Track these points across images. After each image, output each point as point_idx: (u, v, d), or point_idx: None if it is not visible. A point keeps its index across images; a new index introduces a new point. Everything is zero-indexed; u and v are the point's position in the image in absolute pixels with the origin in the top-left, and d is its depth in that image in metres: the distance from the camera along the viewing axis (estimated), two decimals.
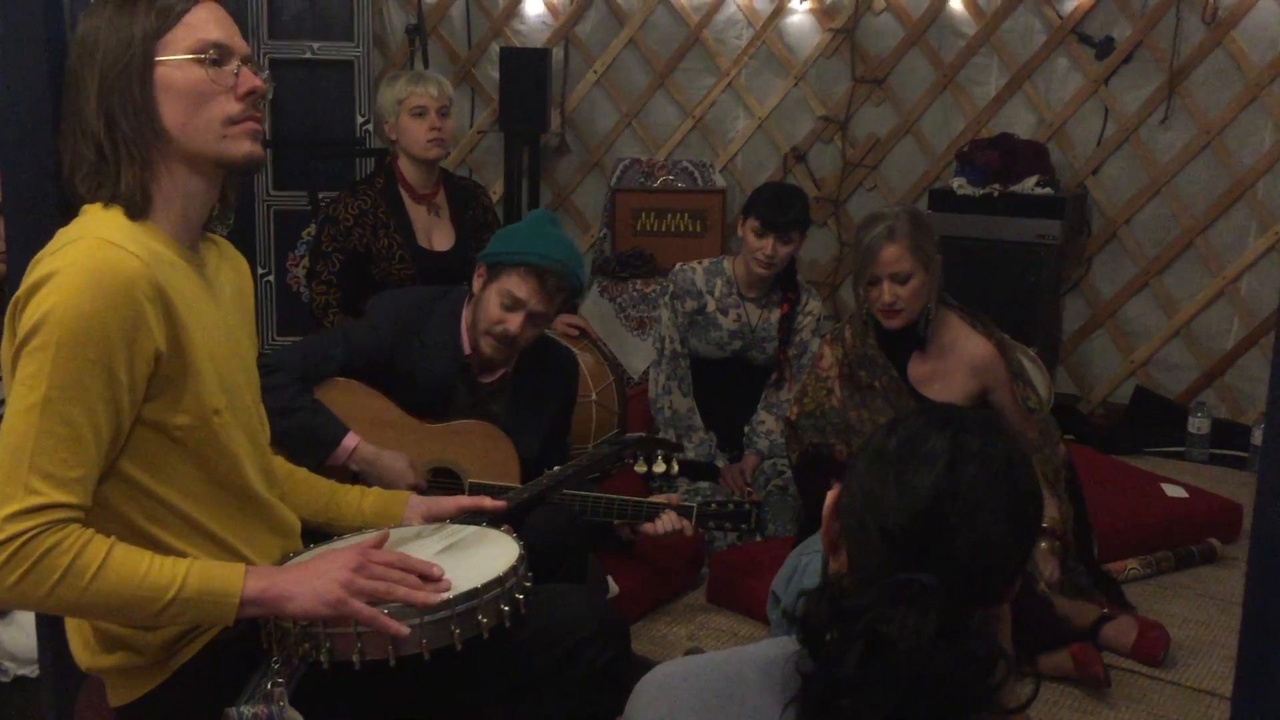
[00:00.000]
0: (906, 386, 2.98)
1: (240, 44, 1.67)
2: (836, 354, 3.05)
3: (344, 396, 2.68)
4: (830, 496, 1.28)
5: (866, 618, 1.11)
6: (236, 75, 1.64)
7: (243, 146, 1.66)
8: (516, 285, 2.68)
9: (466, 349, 2.77)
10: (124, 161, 1.60)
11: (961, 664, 1.09)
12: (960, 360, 2.99)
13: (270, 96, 1.82)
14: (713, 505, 2.83)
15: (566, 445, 3.04)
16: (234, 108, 1.64)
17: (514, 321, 2.69)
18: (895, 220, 2.89)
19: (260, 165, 1.73)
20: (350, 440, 2.58)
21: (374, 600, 1.58)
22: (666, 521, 2.73)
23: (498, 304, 2.70)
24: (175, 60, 1.61)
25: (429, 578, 1.64)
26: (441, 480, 2.69)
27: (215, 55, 1.62)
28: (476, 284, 2.76)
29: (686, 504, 2.79)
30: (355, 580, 1.57)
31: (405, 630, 1.57)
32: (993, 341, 3.00)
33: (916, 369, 3.00)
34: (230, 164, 1.67)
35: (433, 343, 2.75)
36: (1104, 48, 4.82)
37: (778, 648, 1.26)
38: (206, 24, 1.63)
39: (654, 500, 2.79)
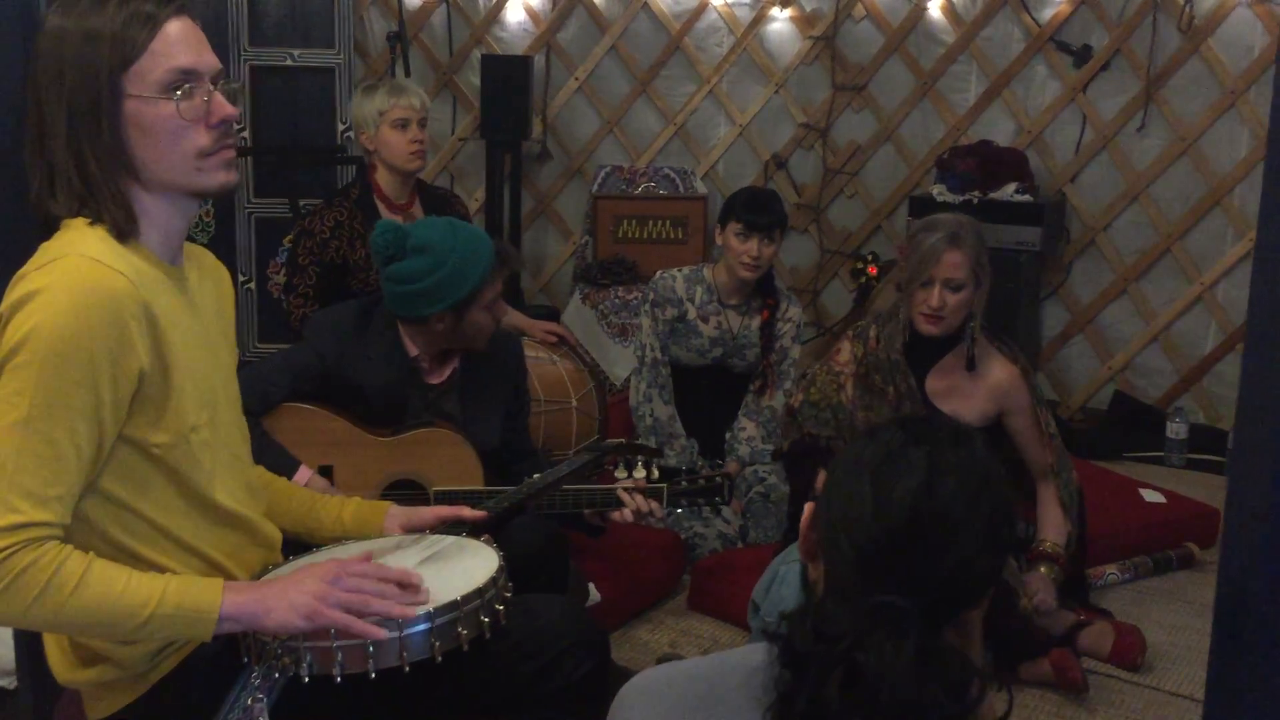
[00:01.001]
0: (922, 397, 2.93)
1: (210, 61, 1.61)
2: (856, 351, 3.00)
3: (296, 422, 2.67)
4: (808, 509, 1.28)
5: (843, 644, 1.10)
6: (208, 103, 1.60)
7: (217, 178, 1.63)
8: (493, 290, 2.72)
9: (412, 351, 2.77)
10: (100, 194, 1.57)
11: (938, 686, 1.09)
12: (982, 381, 2.94)
13: (240, 109, 1.80)
14: (682, 483, 2.72)
15: (526, 428, 3.03)
16: (205, 140, 1.60)
17: (501, 309, 2.79)
18: (961, 228, 2.85)
19: (235, 189, 1.70)
20: (302, 475, 2.57)
21: (352, 613, 1.58)
22: (632, 505, 2.62)
23: (485, 316, 2.73)
24: (145, 96, 1.56)
25: (407, 586, 1.64)
26: (405, 492, 2.68)
27: (186, 86, 1.58)
28: (442, 327, 2.71)
29: (655, 485, 2.68)
30: (331, 592, 1.57)
31: (383, 633, 1.57)
32: (1017, 366, 2.97)
33: (935, 382, 2.95)
34: (204, 194, 1.66)
35: (376, 351, 2.74)
36: (1082, 56, 4.86)
37: (758, 654, 1.26)
38: (174, 49, 1.57)
39: (620, 486, 2.69)
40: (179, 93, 1.57)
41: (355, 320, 2.78)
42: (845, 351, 3.04)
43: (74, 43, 1.54)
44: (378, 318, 2.77)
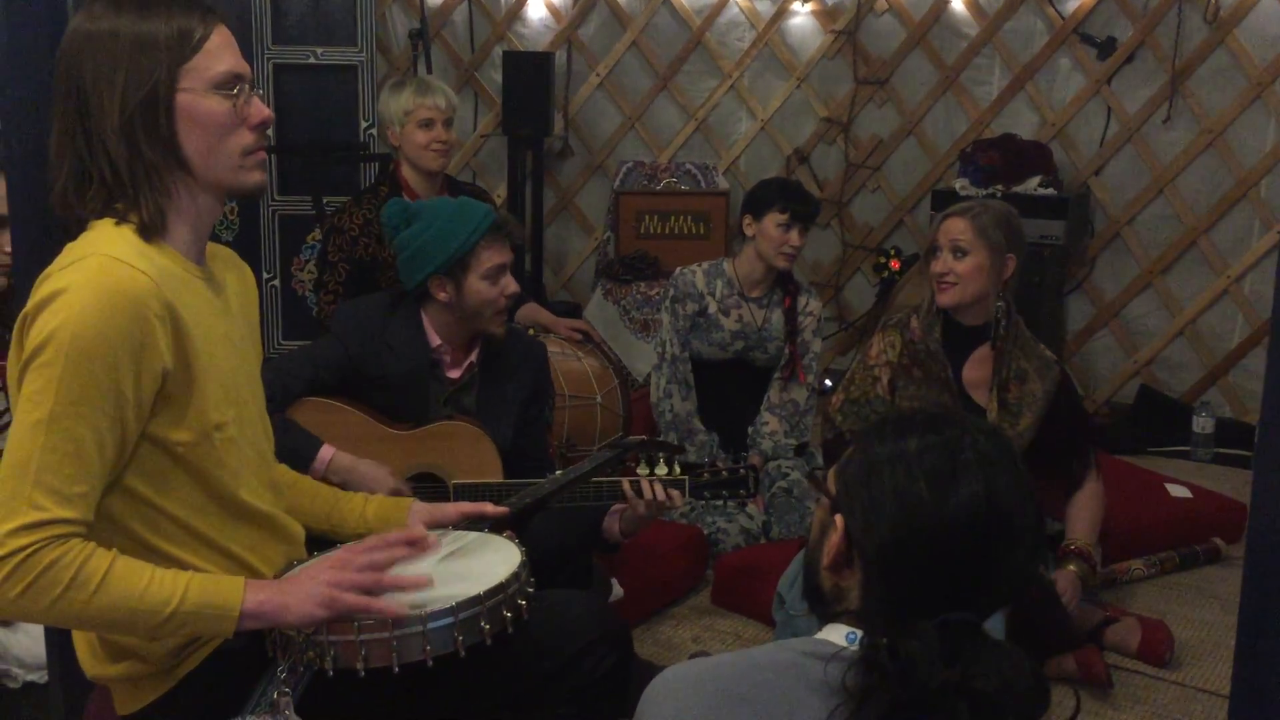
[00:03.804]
0: (959, 388, 2.92)
1: (247, 68, 1.67)
2: (891, 340, 2.97)
3: (316, 415, 2.69)
4: (839, 520, 1.27)
5: (956, 672, 1.12)
6: (249, 105, 1.65)
7: (254, 176, 1.68)
8: (490, 258, 2.69)
9: (435, 340, 2.78)
10: (142, 187, 1.60)
11: (1037, 698, 1.11)
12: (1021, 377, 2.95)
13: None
14: (705, 475, 2.69)
15: (543, 434, 3.03)
16: (248, 139, 1.65)
17: (509, 285, 2.73)
18: (978, 206, 2.94)
19: (264, 190, 1.76)
20: (325, 452, 2.58)
21: (368, 593, 1.61)
22: (648, 490, 2.57)
23: (487, 286, 2.70)
24: (198, 90, 1.60)
25: (416, 544, 1.69)
26: (425, 485, 2.70)
27: (235, 87, 1.63)
28: (444, 295, 2.71)
29: (678, 477, 2.65)
30: (344, 576, 1.60)
31: (402, 609, 1.60)
32: (1056, 364, 2.99)
33: (971, 372, 2.95)
34: (241, 193, 1.70)
35: (399, 343, 2.76)
36: (1106, 48, 4.83)
37: (786, 651, 1.26)
38: (224, 51, 1.63)
39: (640, 475, 2.65)
40: (235, 91, 1.63)
41: (382, 311, 2.79)
42: (875, 346, 3.03)
43: (128, 40, 1.58)
44: (404, 307, 2.79)
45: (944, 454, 1.19)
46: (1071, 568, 2.88)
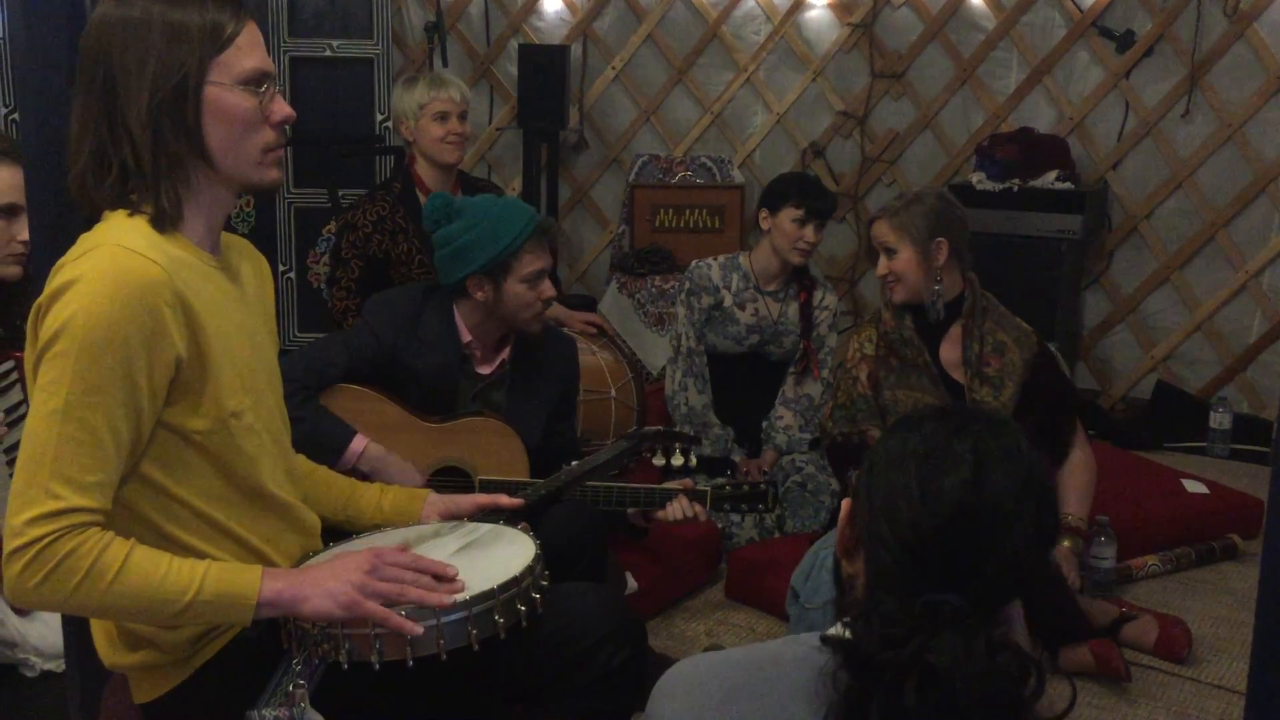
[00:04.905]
0: (939, 371, 3.00)
1: (273, 66, 1.68)
2: (867, 335, 3.08)
3: (348, 404, 2.70)
4: (845, 505, 1.28)
5: (913, 646, 1.11)
6: (273, 103, 1.66)
7: (272, 174, 1.70)
8: (531, 262, 2.70)
9: (465, 337, 2.78)
10: (163, 177, 1.61)
11: (1000, 681, 1.09)
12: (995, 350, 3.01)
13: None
14: (726, 488, 2.77)
15: (573, 431, 3.05)
16: (270, 137, 1.66)
17: (546, 289, 2.74)
18: (896, 202, 3.05)
19: (279, 187, 1.77)
20: (358, 443, 2.59)
21: (388, 602, 1.60)
22: (677, 508, 2.68)
23: (526, 290, 2.71)
24: (226, 84, 1.61)
25: (443, 578, 1.66)
26: (451, 479, 2.70)
27: (262, 84, 1.64)
28: (482, 295, 2.72)
29: (700, 489, 2.73)
30: (369, 582, 1.59)
31: (419, 629, 1.59)
32: (1033, 334, 3.06)
33: (949, 353, 3.02)
34: (258, 189, 1.71)
35: (431, 336, 2.76)
36: (1125, 41, 4.80)
37: (798, 645, 1.26)
38: (253, 48, 1.64)
39: (666, 486, 2.75)
40: (263, 88, 1.63)
41: (416, 303, 2.80)
42: (850, 347, 3.11)
43: (161, 29, 1.58)
44: (437, 301, 2.79)
45: (938, 442, 1.20)
46: (1066, 544, 2.91)
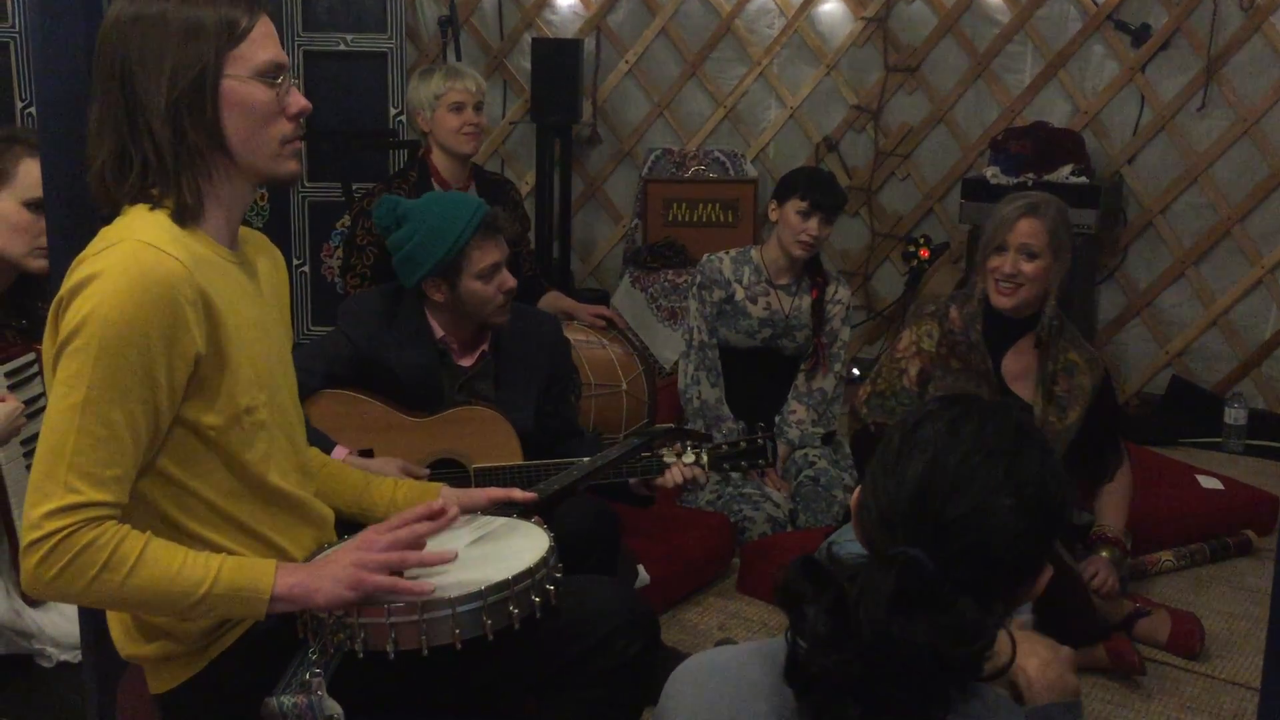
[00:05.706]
0: (998, 380, 2.89)
1: (287, 59, 1.69)
2: (928, 329, 2.93)
3: (334, 408, 2.70)
4: (856, 493, 1.29)
5: (836, 581, 1.16)
6: (289, 95, 1.67)
7: (291, 165, 1.71)
8: (481, 258, 2.68)
9: (439, 333, 2.79)
10: (185, 171, 1.62)
11: (936, 634, 1.11)
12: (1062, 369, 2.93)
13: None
14: (723, 447, 2.69)
15: (571, 410, 3.03)
16: (288, 128, 1.67)
17: (505, 281, 2.72)
18: (1044, 202, 2.85)
19: (297, 179, 1.77)
20: (338, 453, 2.60)
21: (394, 573, 1.62)
22: (677, 472, 2.62)
23: (482, 285, 2.70)
24: (243, 77, 1.62)
25: (436, 517, 1.71)
26: (446, 471, 2.71)
27: (278, 76, 1.65)
28: (440, 296, 2.72)
29: (696, 450, 2.67)
30: (368, 556, 1.62)
31: (429, 586, 1.61)
32: (1099, 362, 2.97)
33: (1011, 364, 2.91)
34: (277, 180, 1.72)
35: (405, 335, 2.76)
36: (1140, 34, 4.78)
37: None
38: (268, 41, 1.65)
39: (661, 455, 2.67)
40: (279, 80, 1.65)
41: (386, 304, 2.80)
42: (906, 338, 2.99)
43: (177, 25, 1.59)
44: (407, 300, 2.79)
45: (916, 427, 1.24)
46: (1104, 554, 2.88)
